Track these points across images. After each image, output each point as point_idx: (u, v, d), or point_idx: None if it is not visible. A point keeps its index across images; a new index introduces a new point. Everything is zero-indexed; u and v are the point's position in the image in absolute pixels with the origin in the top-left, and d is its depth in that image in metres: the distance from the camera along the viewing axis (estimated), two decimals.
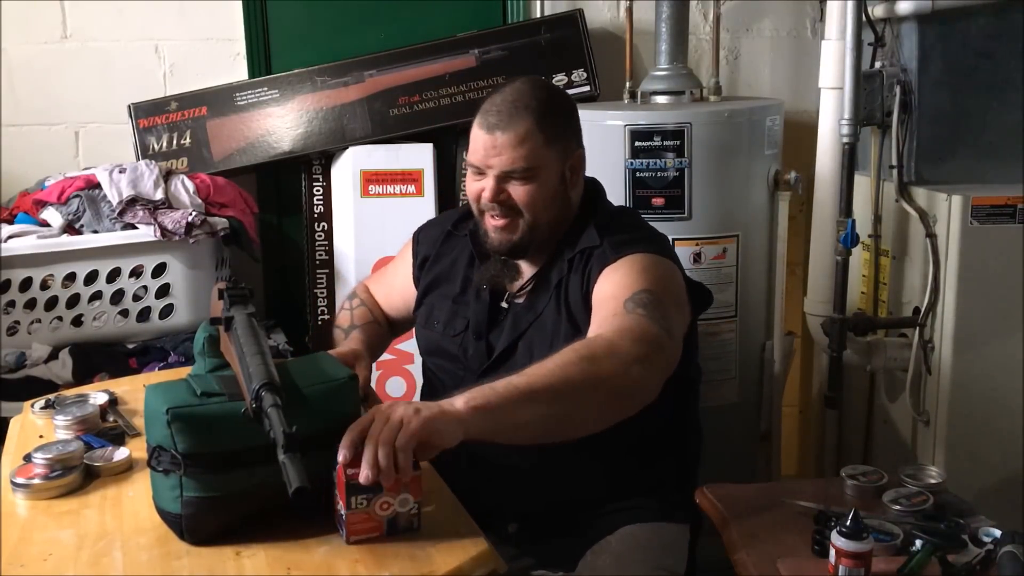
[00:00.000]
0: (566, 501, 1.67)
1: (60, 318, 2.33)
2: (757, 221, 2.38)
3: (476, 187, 1.66)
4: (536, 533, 1.68)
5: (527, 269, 1.73)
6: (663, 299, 1.54)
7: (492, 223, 1.66)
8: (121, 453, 1.52)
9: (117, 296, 2.34)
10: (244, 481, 1.26)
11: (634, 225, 1.77)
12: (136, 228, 2.32)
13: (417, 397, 2.59)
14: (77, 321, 2.34)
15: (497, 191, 1.63)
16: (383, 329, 1.92)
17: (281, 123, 2.62)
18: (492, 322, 1.71)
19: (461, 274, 1.77)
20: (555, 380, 1.34)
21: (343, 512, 1.25)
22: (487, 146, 1.62)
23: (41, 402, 1.79)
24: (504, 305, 1.72)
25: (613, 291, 1.56)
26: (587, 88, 2.61)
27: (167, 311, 2.38)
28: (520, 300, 1.71)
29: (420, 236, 1.90)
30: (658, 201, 2.29)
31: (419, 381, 2.60)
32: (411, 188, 2.57)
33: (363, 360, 1.73)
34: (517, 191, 1.63)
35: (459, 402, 1.27)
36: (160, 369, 2.27)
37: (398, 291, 1.91)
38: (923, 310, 2.27)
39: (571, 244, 1.69)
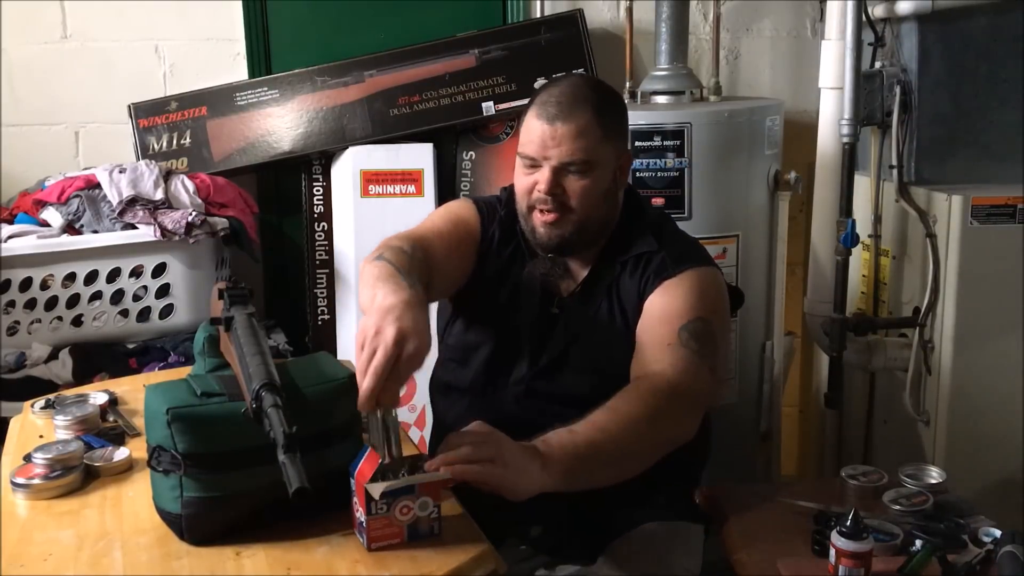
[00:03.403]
0: (589, 502, 1.66)
1: (60, 318, 2.33)
2: (757, 221, 2.38)
3: (528, 181, 1.62)
4: (557, 534, 1.68)
5: (576, 268, 1.70)
6: (715, 330, 1.58)
7: (541, 218, 1.63)
8: (121, 453, 1.52)
9: (117, 296, 2.34)
10: (244, 481, 1.26)
11: (681, 233, 1.78)
12: (136, 228, 2.32)
13: (419, 394, 2.59)
14: (77, 321, 2.34)
15: (553, 184, 1.59)
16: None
17: (281, 123, 2.62)
18: (544, 325, 1.68)
19: (513, 270, 1.72)
20: (626, 441, 1.42)
21: (363, 519, 1.25)
22: (546, 136, 1.58)
23: (41, 402, 1.79)
24: (556, 311, 1.69)
25: (669, 312, 1.58)
26: None
27: (167, 311, 2.38)
28: (570, 303, 1.69)
29: (485, 209, 1.75)
30: (658, 201, 2.29)
31: (419, 382, 2.60)
32: (411, 188, 2.57)
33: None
34: (572, 185, 1.60)
35: (554, 469, 1.34)
36: (160, 369, 2.27)
37: (456, 261, 1.71)
38: (923, 310, 2.27)
39: (622, 247, 1.67)
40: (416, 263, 1.54)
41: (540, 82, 2.57)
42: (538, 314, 1.69)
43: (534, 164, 1.61)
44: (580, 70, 2.60)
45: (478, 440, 1.31)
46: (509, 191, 1.76)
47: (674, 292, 1.60)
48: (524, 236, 1.71)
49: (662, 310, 1.59)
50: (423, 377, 1.88)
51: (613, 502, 1.67)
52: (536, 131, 1.59)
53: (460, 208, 1.78)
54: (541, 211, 1.62)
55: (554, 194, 1.60)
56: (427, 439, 2.03)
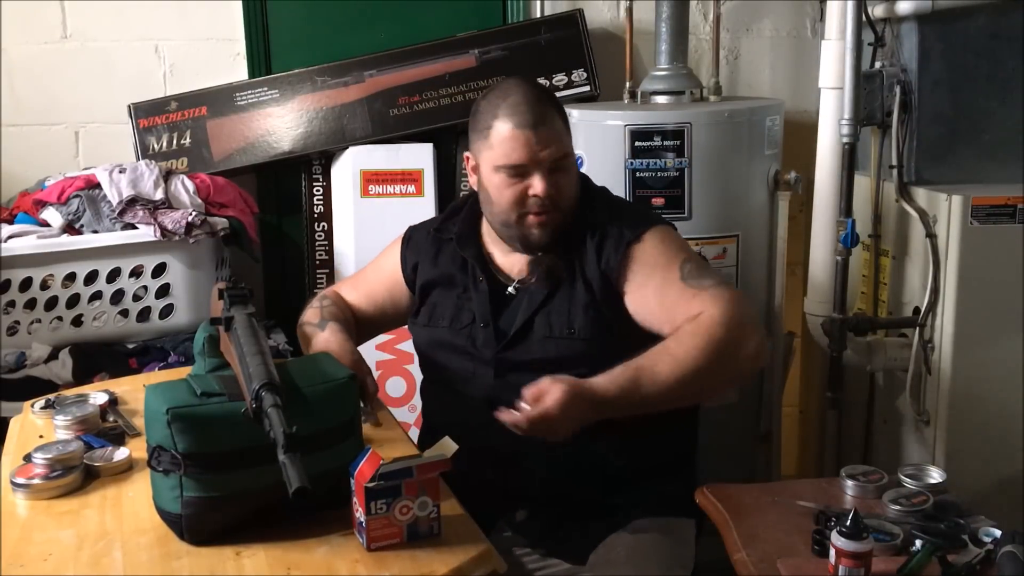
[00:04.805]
0: (573, 486, 1.69)
1: (60, 318, 2.33)
2: (757, 221, 2.38)
3: (516, 190, 1.66)
4: (545, 522, 1.70)
5: (523, 261, 1.76)
6: (701, 260, 1.71)
7: (536, 220, 1.67)
8: (121, 453, 1.53)
9: (117, 296, 2.35)
10: (244, 481, 1.27)
11: (622, 200, 1.90)
12: (136, 228, 2.32)
13: (418, 395, 2.59)
14: (77, 321, 2.34)
15: (550, 184, 1.65)
16: (352, 328, 1.87)
17: (281, 123, 2.62)
18: (500, 308, 1.74)
19: (458, 273, 1.80)
20: (679, 369, 1.52)
21: (363, 519, 1.25)
22: (531, 142, 1.63)
23: (41, 402, 1.80)
24: (512, 291, 1.75)
25: (661, 273, 1.64)
26: (587, 88, 2.61)
27: (167, 311, 2.38)
28: (528, 282, 1.74)
29: (409, 241, 1.90)
30: (658, 201, 2.29)
31: (419, 379, 2.61)
32: (411, 188, 2.57)
33: (361, 362, 1.72)
34: (561, 181, 1.67)
35: (604, 405, 1.49)
36: (160, 369, 2.27)
37: (384, 288, 1.91)
38: (923, 310, 2.27)
39: (578, 219, 1.73)
40: (326, 311, 1.84)
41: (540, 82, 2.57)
42: (488, 301, 1.74)
43: (520, 172, 1.65)
44: (580, 70, 2.60)
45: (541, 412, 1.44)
46: (466, 202, 1.84)
47: (646, 255, 1.67)
48: (463, 241, 1.78)
49: (653, 275, 1.65)
50: (421, 378, 1.91)
51: (602, 497, 1.69)
52: (518, 139, 1.63)
53: (390, 250, 1.93)
54: (536, 214, 1.67)
55: (550, 195, 1.65)
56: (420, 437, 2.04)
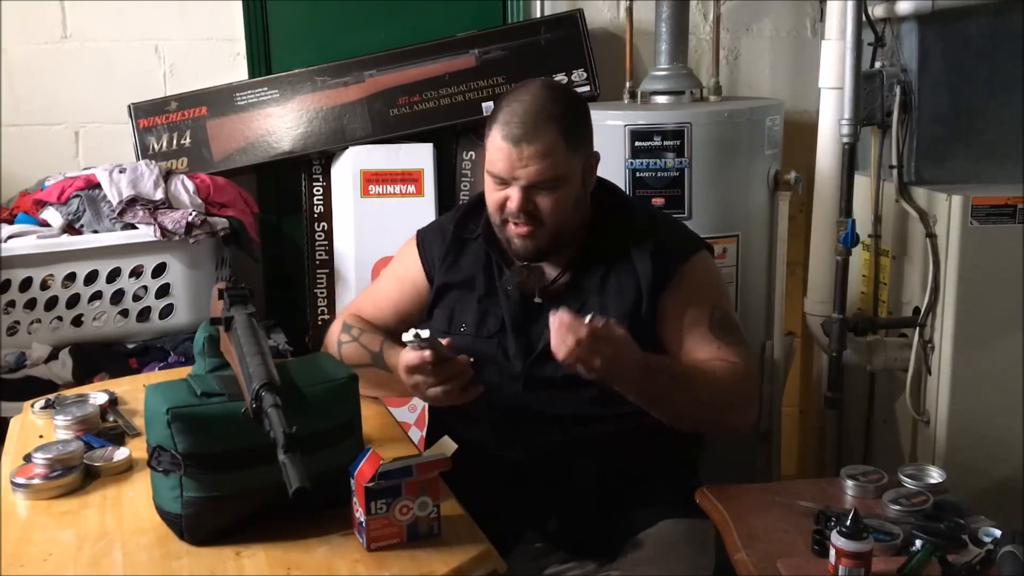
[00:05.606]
0: (598, 491, 1.68)
1: (60, 318, 2.33)
2: (757, 221, 2.38)
3: (498, 196, 1.64)
4: (575, 527, 1.69)
5: (559, 262, 1.72)
6: (731, 312, 1.76)
7: (516, 231, 1.65)
8: (121, 453, 1.53)
9: (117, 296, 2.34)
10: (244, 481, 1.27)
11: (670, 217, 1.89)
12: (136, 228, 2.32)
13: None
14: (77, 321, 2.34)
15: (524, 202, 1.61)
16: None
17: (281, 123, 2.62)
18: (528, 318, 1.70)
19: (481, 275, 1.74)
20: (702, 402, 1.61)
21: (363, 519, 1.25)
22: (512, 158, 1.59)
23: (41, 402, 1.80)
24: (539, 300, 1.70)
25: (696, 309, 1.68)
26: (587, 88, 2.61)
27: (167, 311, 2.38)
28: (559, 293, 1.70)
29: (425, 241, 1.84)
30: (658, 201, 2.29)
31: None
32: (411, 188, 2.57)
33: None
34: (543, 202, 1.62)
35: (646, 379, 1.53)
36: (160, 369, 2.27)
37: (409, 296, 1.84)
38: (923, 310, 2.27)
39: (609, 231, 1.71)
40: (370, 332, 1.78)
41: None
42: (521, 309, 1.70)
43: (503, 181, 1.63)
44: (580, 70, 2.60)
45: (602, 337, 1.44)
46: (480, 198, 1.78)
47: (689, 292, 1.68)
48: (491, 239, 1.73)
49: (687, 313, 1.68)
50: None
51: (629, 500, 1.69)
52: (502, 151, 1.60)
53: (403, 257, 1.87)
54: (515, 224, 1.64)
55: (526, 211, 1.62)
56: (427, 439, 2.03)
